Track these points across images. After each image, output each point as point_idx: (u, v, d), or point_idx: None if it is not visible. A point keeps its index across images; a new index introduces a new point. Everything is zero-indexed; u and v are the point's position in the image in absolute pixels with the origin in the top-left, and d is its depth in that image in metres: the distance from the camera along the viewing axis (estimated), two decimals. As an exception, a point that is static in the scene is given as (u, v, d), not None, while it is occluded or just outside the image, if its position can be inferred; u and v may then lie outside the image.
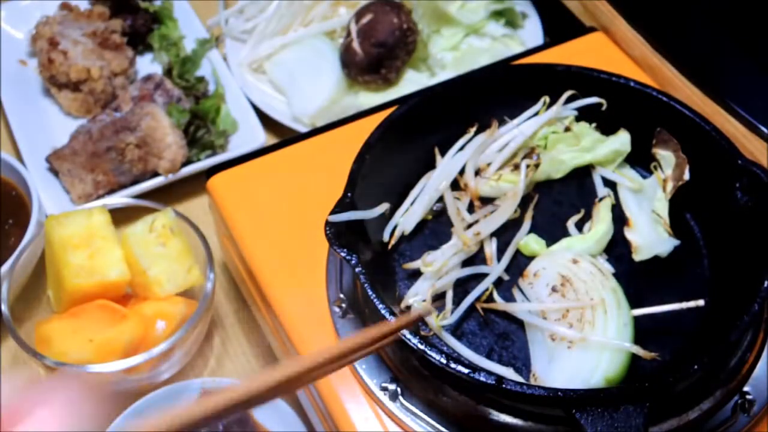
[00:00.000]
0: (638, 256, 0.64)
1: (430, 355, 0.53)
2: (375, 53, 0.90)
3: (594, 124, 0.72)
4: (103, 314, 0.70)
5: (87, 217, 0.72)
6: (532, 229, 0.68)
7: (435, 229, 0.69)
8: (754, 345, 0.61)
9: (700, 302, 0.60)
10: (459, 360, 0.53)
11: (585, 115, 0.72)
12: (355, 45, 0.91)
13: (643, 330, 0.60)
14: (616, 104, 0.71)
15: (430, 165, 0.72)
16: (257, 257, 0.69)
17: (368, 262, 0.58)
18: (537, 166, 0.69)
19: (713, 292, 0.63)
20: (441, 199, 0.68)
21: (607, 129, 0.72)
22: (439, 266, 0.62)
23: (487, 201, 0.68)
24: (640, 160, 0.73)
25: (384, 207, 0.64)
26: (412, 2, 0.95)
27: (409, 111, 0.70)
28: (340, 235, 0.59)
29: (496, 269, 0.64)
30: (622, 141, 0.71)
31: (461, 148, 0.70)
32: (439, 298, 0.62)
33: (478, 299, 0.62)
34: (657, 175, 0.69)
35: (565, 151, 0.71)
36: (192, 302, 0.73)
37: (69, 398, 0.28)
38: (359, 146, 0.66)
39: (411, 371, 0.59)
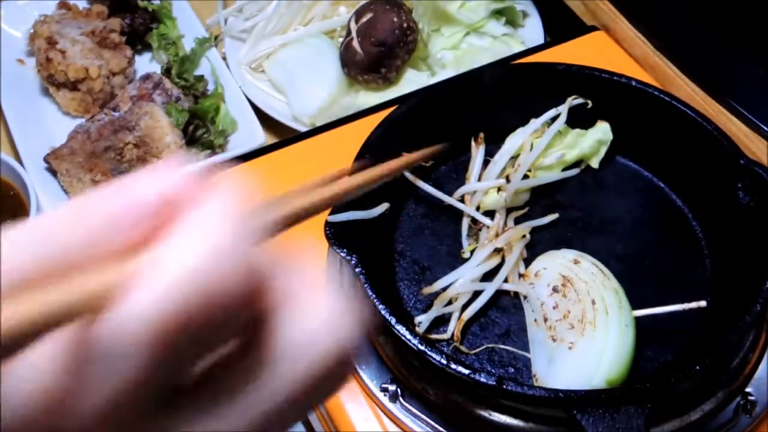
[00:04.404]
0: None
1: (431, 356, 0.53)
2: (375, 52, 0.89)
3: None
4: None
5: (85, 216, 0.71)
6: (540, 235, 0.67)
7: (435, 228, 0.68)
8: (756, 346, 0.61)
9: (702, 303, 0.60)
10: (459, 361, 0.53)
11: (582, 116, 0.72)
12: (355, 44, 0.90)
13: (644, 330, 0.60)
14: (617, 104, 0.71)
15: (431, 165, 0.71)
16: (256, 257, 0.69)
17: (368, 262, 0.58)
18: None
19: (715, 292, 0.63)
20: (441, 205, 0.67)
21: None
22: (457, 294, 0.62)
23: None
24: (641, 159, 0.73)
25: (384, 207, 0.64)
26: (412, 1, 0.95)
27: (409, 110, 0.69)
28: (340, 235, 0.59)
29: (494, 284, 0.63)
30: (603, 131, 0.71)
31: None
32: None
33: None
34: None
35: (551, 154, 0.70)
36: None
37: (234, 198, 0.23)
38: (359, 146, 0.66)
39: (411, 372, 0.58)
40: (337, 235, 0.59)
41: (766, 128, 0.75)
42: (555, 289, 0.61)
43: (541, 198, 0.70)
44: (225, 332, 0.23)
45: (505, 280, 0.63)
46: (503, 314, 0.63)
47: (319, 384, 0.24)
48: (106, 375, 0.21)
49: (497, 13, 0.99)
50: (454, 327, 0.61)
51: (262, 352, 0.23)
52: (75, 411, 0.21)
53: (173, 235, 0.22)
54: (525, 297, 0.63)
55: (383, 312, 0.55)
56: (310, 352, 0.23)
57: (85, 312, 0.21)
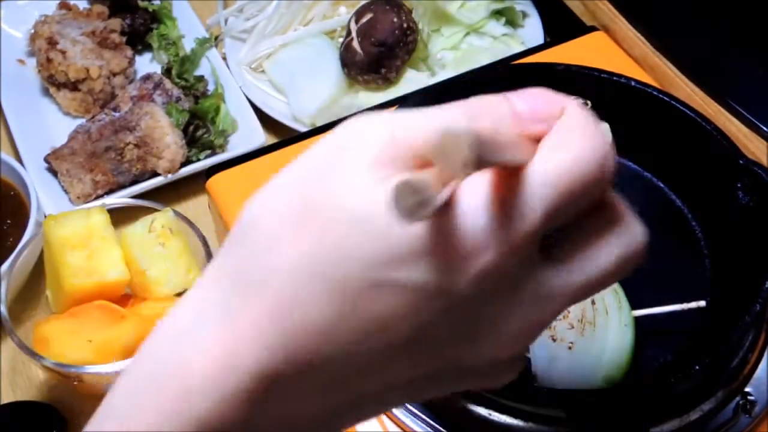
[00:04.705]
0: None
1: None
2: (375, 52, 0.89)
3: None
4: (102, 315, 0.70)
5: (86, 217, 0.71)
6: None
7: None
8: (755, 345, 0.61)
9: (702, 303, 0.60)
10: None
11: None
12: (355, 44, 0.90)
13: (644, 330, 0.60)
14: (616, 104, 0.71)
15: (430, 165, 0.71)
16: (257, 257, 0.69)
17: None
18: None
19: (715, 292, 0.63)
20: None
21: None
22: None
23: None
24: (640, 159, 0.73)
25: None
26: (412, 1, 0.95)
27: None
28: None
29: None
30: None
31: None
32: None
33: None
34: None
35: None
36: (191, 302, 0.73)
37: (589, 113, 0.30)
38: (359, 146, 0.65)
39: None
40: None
41: (765, 128, 0.75)
42: (555, 289, 0.61)
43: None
44: (588, 202, 0.30)
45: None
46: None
47: (632, 260, 0.31)
48: (518, 216, 0.27)
49: (497, 14, 0.99)
50: None
51: (611, 217, 0.31)
52: (504, 238, 0.27)
53: (563, 131, 0.29)
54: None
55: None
56: (632, 228, 0.31)
57: (510, 164, 0.27)
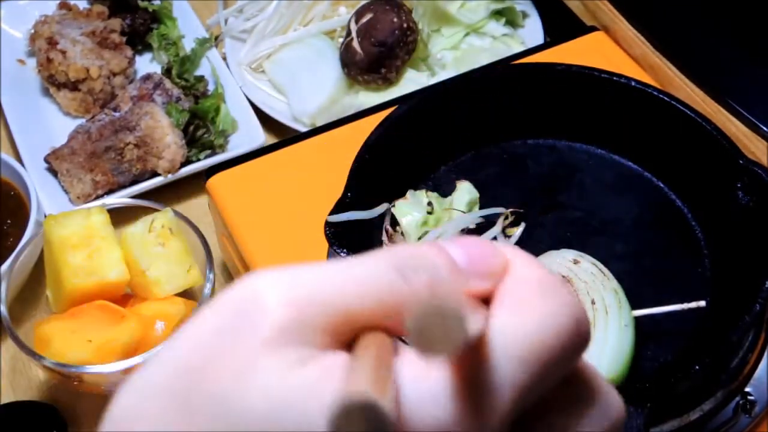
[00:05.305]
0: None
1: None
2: (375, 52, 0.89)
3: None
4: (102, 315, 0.70)
5: (86, 217, 0.71)
6: (540, 235, 0.67)
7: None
8: (755, 345, 0.61)
9: (702, 303, 0.60)
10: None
11: (581, 114, 0.72)
12: (355, 44, 0.90)
13: (644, 330, 0.60)
14: (616, 104, 0.71)
15: (430, 165, 0.71)
16: (257, 257, 0.69)
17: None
18: None
19: (715, 292, 0.63)
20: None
21: (607, 129, 0.72)
22: None
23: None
24: (640, 159, 0.73)
25: (384, 207, 0.64)
26: (412, 2, 0.95)
27: (409, 110, 0.70)
28: (340, 235, 0.59)
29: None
30: (467, 190, 0.67)
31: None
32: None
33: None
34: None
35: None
36: (191, 303, 0.73)
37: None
38: (359, 146, 0.66)
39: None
40: (337, 236, 0.59)
41: (765, 128, 0.75)
42: (555, 289, 0.61)
43: (540, 198, 0.70)
44: (560, 375, 0.24)
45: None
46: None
47: None
48: (486, 407, 0.21)
49: (497, 14, 0.99)
50: None
51: (585, 391, 0.26)
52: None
53: (520, 287, 0.24)
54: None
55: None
56: (611, 402, 0.26)
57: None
